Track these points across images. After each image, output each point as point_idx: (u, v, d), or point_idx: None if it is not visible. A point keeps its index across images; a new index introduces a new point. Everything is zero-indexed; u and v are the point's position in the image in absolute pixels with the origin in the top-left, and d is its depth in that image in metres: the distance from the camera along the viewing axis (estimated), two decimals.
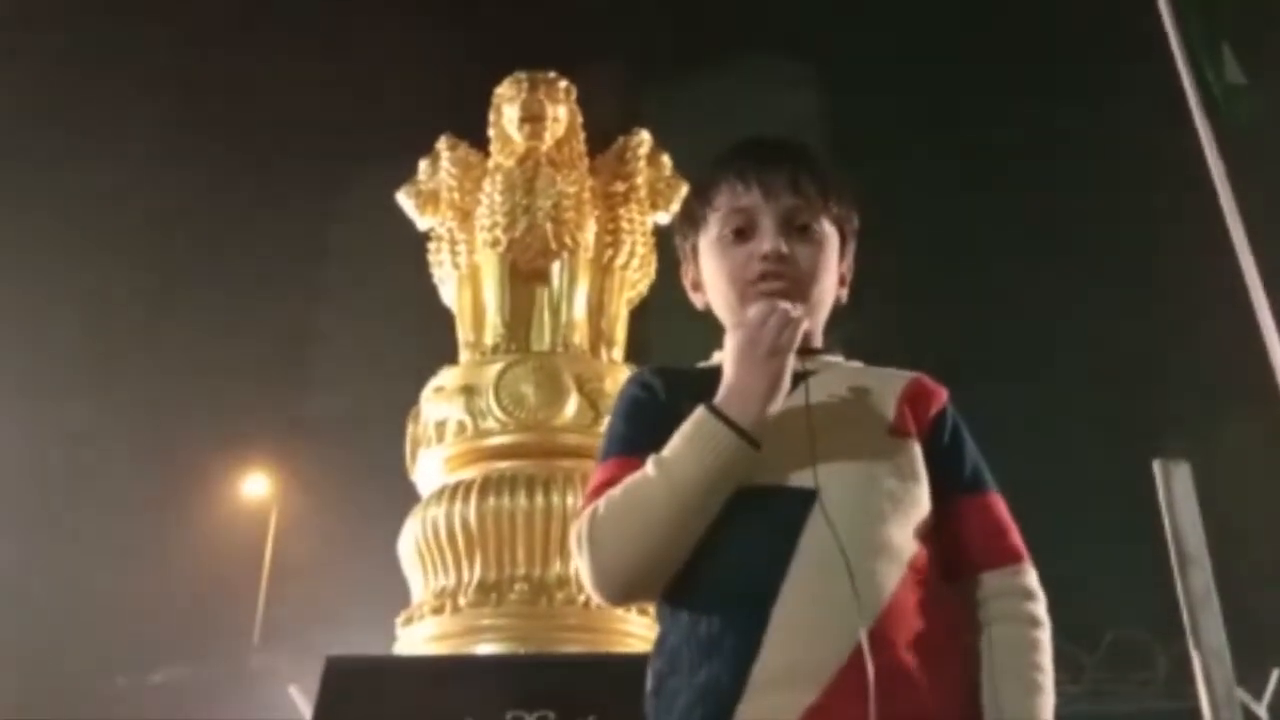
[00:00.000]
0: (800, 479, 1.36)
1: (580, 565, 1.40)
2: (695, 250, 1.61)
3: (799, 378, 1.44)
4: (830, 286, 1.56)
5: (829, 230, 1.55)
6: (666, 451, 1.37)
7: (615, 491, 1.38)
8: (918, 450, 1.44)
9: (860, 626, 1.26)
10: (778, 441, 1.37)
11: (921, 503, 1.41)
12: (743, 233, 1.52)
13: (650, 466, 1.37)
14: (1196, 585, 2.50)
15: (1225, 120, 6.19)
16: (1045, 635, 1.40)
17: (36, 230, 16.34)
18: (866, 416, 1.45)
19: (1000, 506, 1.49)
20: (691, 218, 1.61)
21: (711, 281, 1.57)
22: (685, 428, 1.37)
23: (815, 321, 1.55)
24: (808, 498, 1.34)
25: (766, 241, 1.50)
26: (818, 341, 1.58)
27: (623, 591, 1.40)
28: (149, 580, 16.39)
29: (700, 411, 1.36)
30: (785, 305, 1.40)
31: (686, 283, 1.67)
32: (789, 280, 1.50)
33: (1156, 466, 2.69)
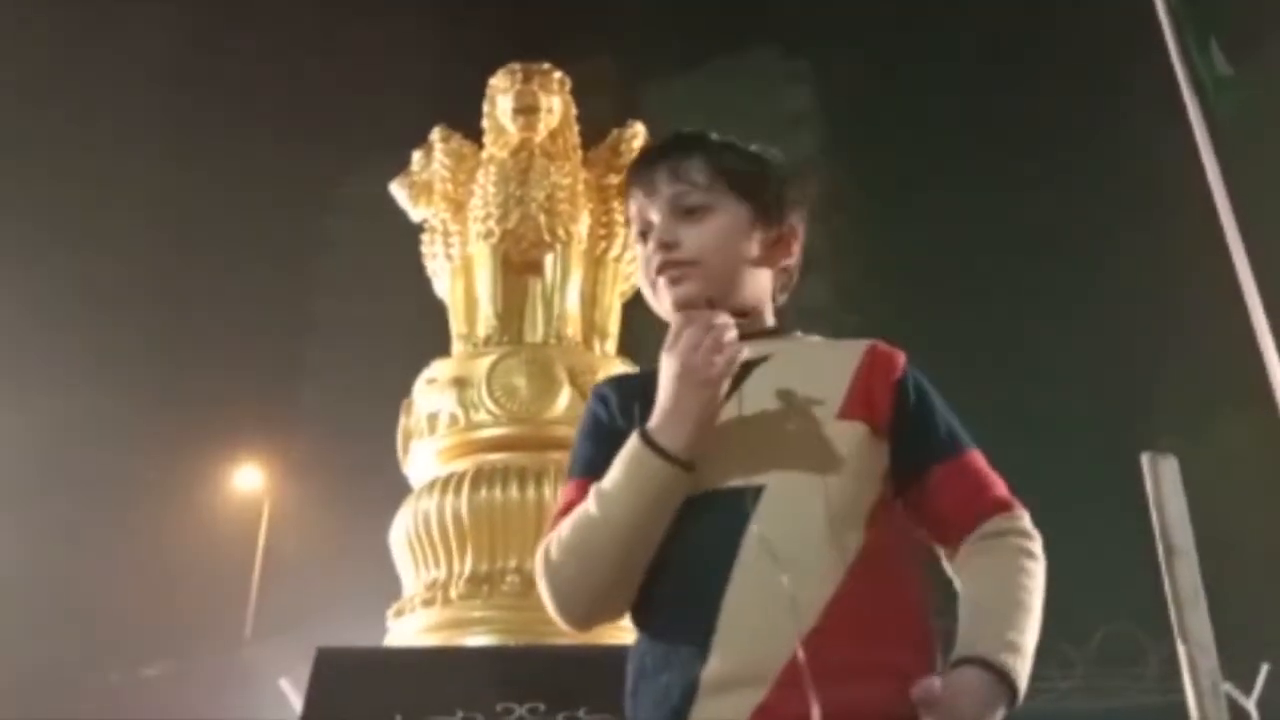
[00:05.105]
0: (743, 479, 1.36)
1: (542, 596, 1.44)
2: None
3: (753, 365, 1.43)
4: (740, 260, 1.52)
5: (730, 205, 1.52)
6: (606, 482, 1.39)
7: (563, 530, 1.41)
8: (868, 431, 1.41)
9: (796, 627, 1.25)
10: (720, 443, 1.37)
11: (873, 486, 1.40)
12: (645, 235, 1.55)
13: (591, 500, 1.39)
14: (1183, 578, 2.50)
15: (1217, 113, 6.23)
16: (1037, 566, 1.39)
17: (32, 224, 16.29)
18: (812, 402, 1.42)
19: (979, 463, 1.46)
20: None
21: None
22: (621, 455, 1.39)
23: (748, 297, 1.52)
24: (752, 497, 1.34)
25: (652, 235, 1.52)
26: (768, 319, 1.56)
27: (585, 622, 1.44)
28: (141, 575, 16.38)
29: (634, 440, 1.38)
30: (720, 322, 1.38)
31: None
32: (682, 265, 1.49)
33: (1145, 460, 2.70)
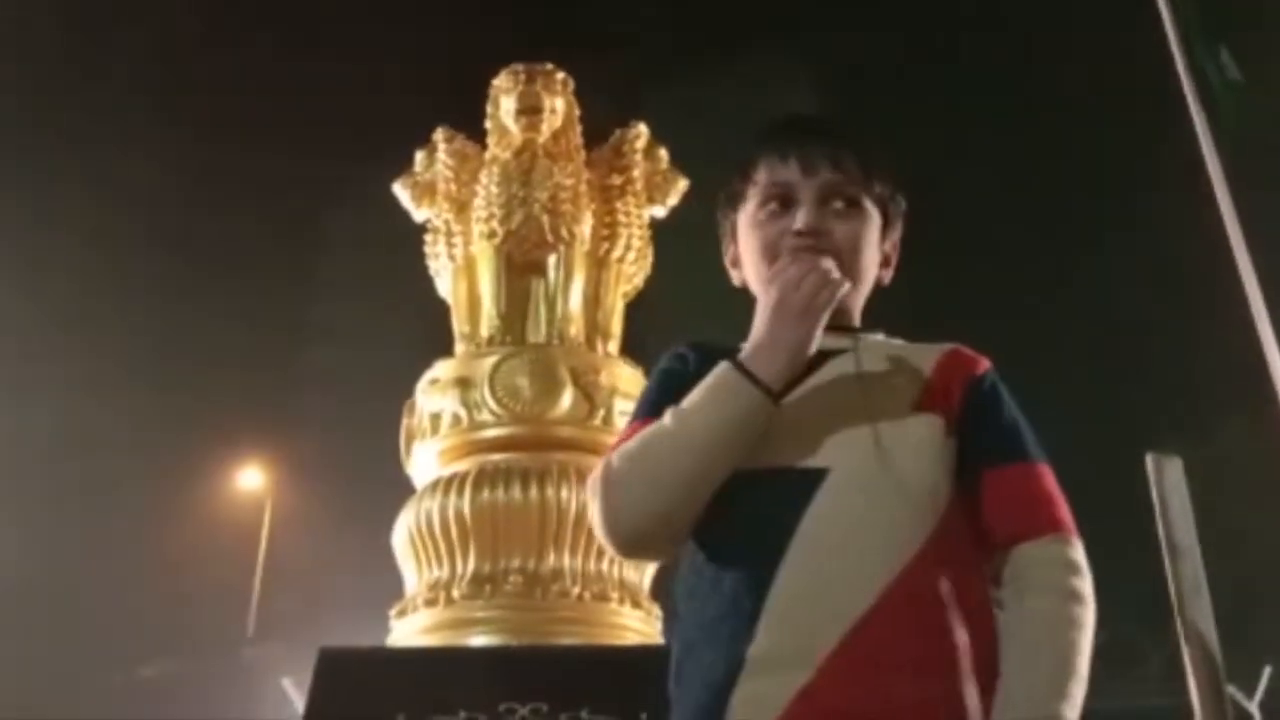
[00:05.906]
0: (812, 459, 1.34)
1: (592, 511, 1.39)
2: (735, 227, 1.61)
3: (831, 355, 1.43)
4: (870, 265, 1.54)
5: (870, 208, 1.54)
6: (685, 402, 1.38)
7: (630, 442, 1.39)
8: (943, 427, 1.39)
9: (854, 610, 1.24)
10: (790, 422, 1.36)
11: (946, 482, 1.36)
12: (780, 208, 1.52)
13: (667, 416, 1.38)
14: (1186, 575, 2.52)
15: (1223, 119, 6.22)
16: (1084, 612, 1.29)
17: (28, 220, 16.31)
18: (893, 394, 1.41)
19: (1038, 477, 1.39)
20: (732, 194, 1.60)
21: (747, 256, 1.57)
22: (707, 380, 1.38)
23: (854, 299, 1.53)
24: (815, 478, 1.33)
25: (801, 216, 1.49)
26: (856, 320, 1.55)
27: (632, 538, 1.38)
28: (142, 575, 16.38)
29: (723, 365, 1.37)
30: (828, 264, 1.40)
31: (727, 260, 1.66)
32: (824, 256, 1.48)
33: (1149, 460, 2.71)
